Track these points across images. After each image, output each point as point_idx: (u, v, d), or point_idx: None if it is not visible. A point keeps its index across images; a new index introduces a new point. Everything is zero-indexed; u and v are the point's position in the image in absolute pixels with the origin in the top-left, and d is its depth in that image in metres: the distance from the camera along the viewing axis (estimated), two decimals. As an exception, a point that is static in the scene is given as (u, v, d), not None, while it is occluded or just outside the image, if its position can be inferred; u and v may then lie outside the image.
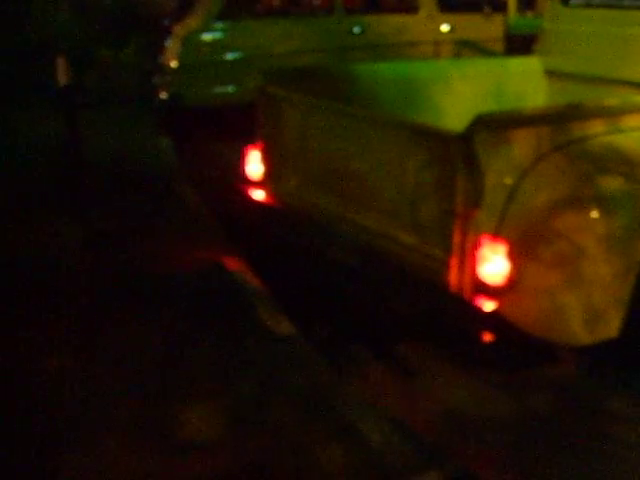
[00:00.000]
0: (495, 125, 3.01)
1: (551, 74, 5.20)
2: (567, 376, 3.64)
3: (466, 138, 2.96)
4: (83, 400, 3.26)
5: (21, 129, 8.08)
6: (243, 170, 4.40)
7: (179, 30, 8.22)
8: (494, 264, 2.96)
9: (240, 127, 4.84)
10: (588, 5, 5.09)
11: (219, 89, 7.97)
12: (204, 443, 2.97)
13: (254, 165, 4.34)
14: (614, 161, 3.18)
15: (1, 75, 9.63)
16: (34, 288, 4.32)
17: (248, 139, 4.38)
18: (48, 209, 5.64)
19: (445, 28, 8.73)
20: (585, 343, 3.11)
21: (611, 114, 3.37)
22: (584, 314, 3.03)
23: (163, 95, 8.04)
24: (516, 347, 3.38)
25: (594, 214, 3.04)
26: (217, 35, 7.95)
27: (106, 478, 2.78)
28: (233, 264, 4.64)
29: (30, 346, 3.69)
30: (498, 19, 8.68)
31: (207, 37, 7.92)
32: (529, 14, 8.65)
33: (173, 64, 7.86)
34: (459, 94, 4.92)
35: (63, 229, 5.21)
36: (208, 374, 3.46)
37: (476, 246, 2.97)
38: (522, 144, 3.05)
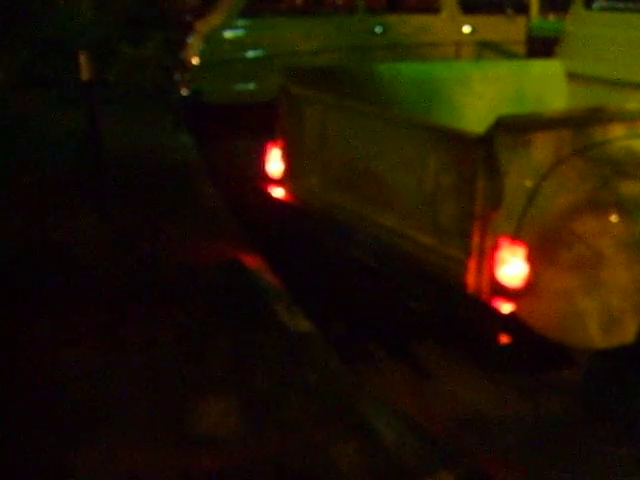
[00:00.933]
0: (516, 128, 3.01)
1: (572, 77, 5.19)
2: (582, 379, 3.64)
3: (487, 140, 2.97)
4: (100, 394, 3.28)
5: (42, 123, 8.12)
6: (263, 168, 4.42)
7: (201, 27, 8.26)
8: (512, 266, 2.96)
9: (261, 125, 4.86)
10: (611, 9, 5.07)
11: (240, 86, 7.99)
12: (219, 439, 2.99)
13: (274, 163, 4.35)
14: (634, 165, 3.17)
15: (24, 70, 9.69)
16: (53, 283, 4.36)
17: (269, 137, 4.40)
18: (69, 204, 5.68)
19: (467, 29, 8.71)
20: (601, 347, 3.11)
21: (632, 118, 3.36)
22: (601, 318, 3.02)
23: (184, 92, 8.08)
24: (532, 349, 3.38)
25: (613, 218, 3.03)
26: (239, 32, 7.98)
27: (122, 472, 2.81)
28: (251, 261, 4.66)
29: (48, 341, 3.72)
30: (520, 21, 8.64)
31: (229, 34, 7.94)
32: (551, 16, 8.60)
33: (195, 61, 7.89)
34: (480, 96, 4.91)
35: (84, 224, 5.25)
36: (224, 370, 3.48)
37: (495, 248, 2.97)
38: (542, 147, 3.05)
